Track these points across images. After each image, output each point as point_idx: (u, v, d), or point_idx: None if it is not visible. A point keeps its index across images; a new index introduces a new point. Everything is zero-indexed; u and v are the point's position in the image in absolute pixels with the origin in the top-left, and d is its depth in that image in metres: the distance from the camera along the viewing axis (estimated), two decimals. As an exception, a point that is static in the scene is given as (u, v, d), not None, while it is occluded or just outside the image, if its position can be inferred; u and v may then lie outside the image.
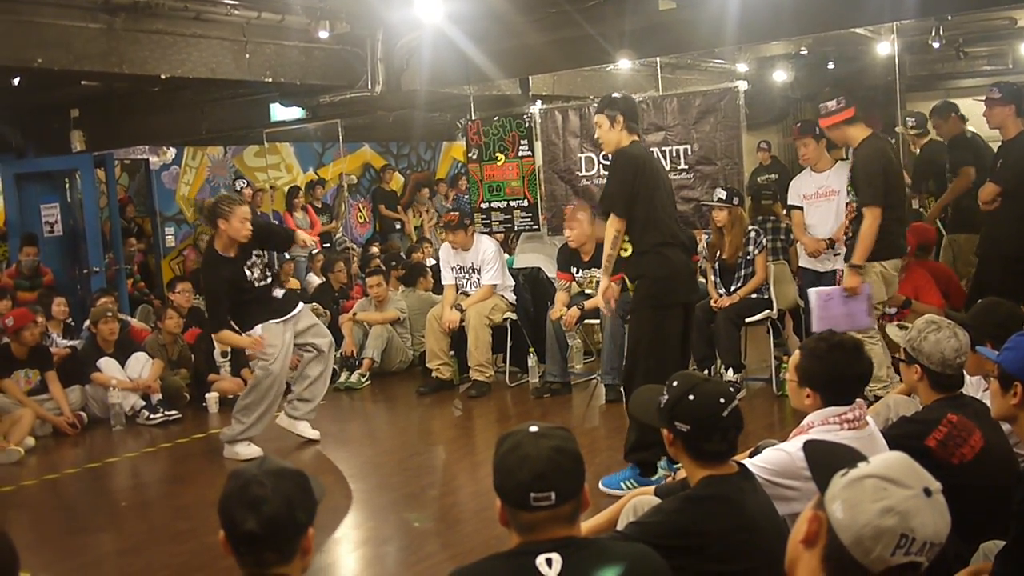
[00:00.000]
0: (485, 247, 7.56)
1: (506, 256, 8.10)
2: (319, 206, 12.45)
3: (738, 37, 7.24)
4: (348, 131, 12.06)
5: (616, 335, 6.63)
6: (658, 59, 8.97)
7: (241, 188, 11.83)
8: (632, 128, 4.77)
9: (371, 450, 6.39)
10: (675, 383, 2.52)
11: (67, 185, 10.32)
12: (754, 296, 6.65)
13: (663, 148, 7.27)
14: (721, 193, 6.69)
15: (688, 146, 7.32)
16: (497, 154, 8.28)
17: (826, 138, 6.06)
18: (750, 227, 6.78)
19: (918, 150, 7.90)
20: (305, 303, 7.80)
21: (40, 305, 7.94)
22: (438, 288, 8.41)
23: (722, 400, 2.44)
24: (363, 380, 7.97)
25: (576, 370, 7.64)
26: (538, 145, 8.08)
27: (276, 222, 11.19)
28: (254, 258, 5.85)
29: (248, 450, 5.87)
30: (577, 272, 7.18)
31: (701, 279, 7.07)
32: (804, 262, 6.62)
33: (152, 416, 7.15)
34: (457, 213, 7.97)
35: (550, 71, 9.01)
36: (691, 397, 2.45)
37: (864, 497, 1.51)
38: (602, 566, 1.97)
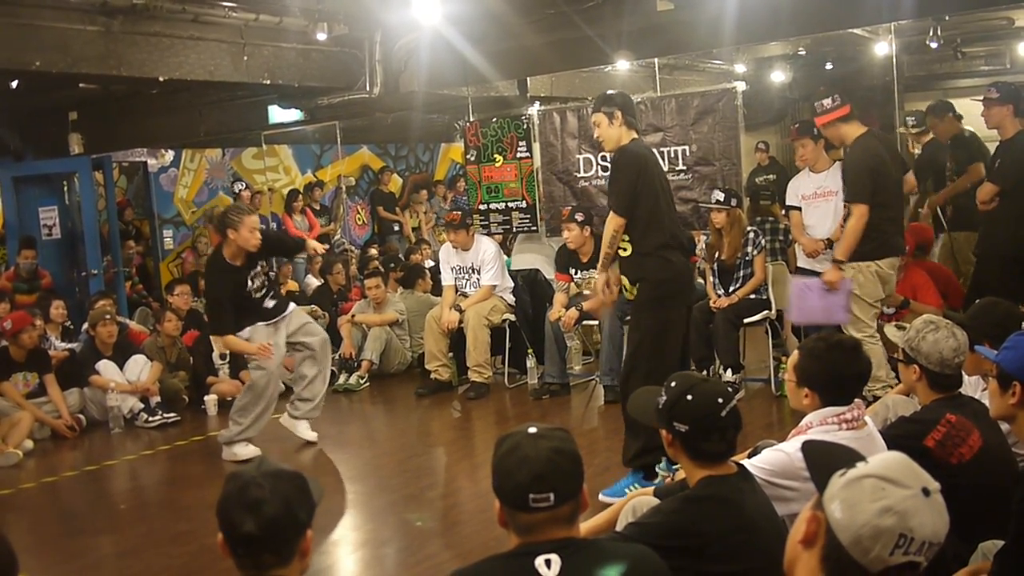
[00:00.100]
0: (485, 247, 7.57)
1: (505, 258, 8.10)
2: (317, 208, 12.43)
3: (736, 38, 7.23)
4: (346, 133, 12.06)
5: (615, 336, 6.64)
6: (656, 60, 8.95)
7: (239, 190, 11.82)
8: (631, 123, 4.69)
9: (370, 452, 6.39)
10: (673, 383, 2.52)
11: (65, 188, 10.31)
12: (753, 297, 6.67)
13: (661, 149, 7.25)
14: (719, 195, 6.69)
15: (686, 147, 7.32)
16: (495, 155, 8.27)
17: (824, 139, 6.06)
18: (749, 228, 6.79)
19: (919, 149, 7.89)
20: (304, 305, 7.84)
21: (38, 308, 7.92)
22: (437, 290, 8.42)
23: (720, 400, 2.44)
24: (362, 382, 7.97)
25: (575, 371, 7.65)
26: (536, 146, 8.07)
27: (274, 225, 11.18)
28: (259, 268, 5.90)
29: (246, 450, 5.88)
30: (576, 273, 7.19)
31: (700, 280, 7.08)
32: (803, 263, 6.61)
33: (151, 418, 7.15)
34: (460, 212, 7.99)
35: (548, 72, 9.00)
36: (689, 397, 2.45)
37: (863, 497, 1.51)
38: (601, 567, 1.97)
